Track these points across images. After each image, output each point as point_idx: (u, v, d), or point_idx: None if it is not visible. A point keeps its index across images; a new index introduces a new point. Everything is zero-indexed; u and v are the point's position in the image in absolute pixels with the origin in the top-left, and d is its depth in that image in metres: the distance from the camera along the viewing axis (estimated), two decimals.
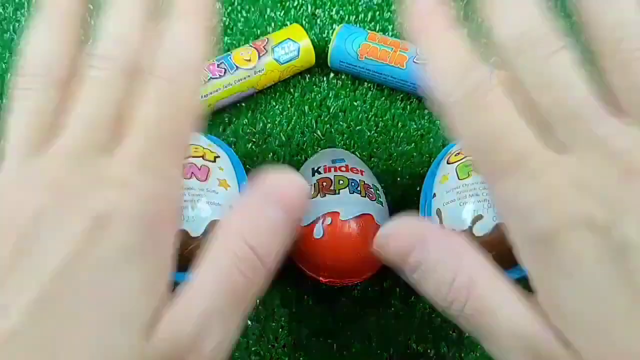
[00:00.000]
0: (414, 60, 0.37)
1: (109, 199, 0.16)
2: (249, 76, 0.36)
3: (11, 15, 0.42)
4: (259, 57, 0.37)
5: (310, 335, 0.32)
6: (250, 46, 0.37)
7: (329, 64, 0.39)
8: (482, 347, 0.31)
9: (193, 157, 0.31)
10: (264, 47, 0.37)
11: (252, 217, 0.18)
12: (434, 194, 0.32)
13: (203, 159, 0.31)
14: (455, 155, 0.32)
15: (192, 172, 0.30)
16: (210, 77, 0.35)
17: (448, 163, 0.32)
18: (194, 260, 0.29)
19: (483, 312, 0.18)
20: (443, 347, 0.31)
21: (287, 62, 0.37)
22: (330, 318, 0.32)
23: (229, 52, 0.37)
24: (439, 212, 0.30)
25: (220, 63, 0.36)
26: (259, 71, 0.37)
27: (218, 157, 0.32)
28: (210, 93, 0.36)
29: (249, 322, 0.32)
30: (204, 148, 0.32)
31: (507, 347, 0.17)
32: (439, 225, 0.27)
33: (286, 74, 0.38)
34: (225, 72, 0.36)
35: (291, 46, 0.37)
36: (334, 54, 0.38)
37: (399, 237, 0.19)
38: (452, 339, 0.31)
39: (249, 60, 0.36)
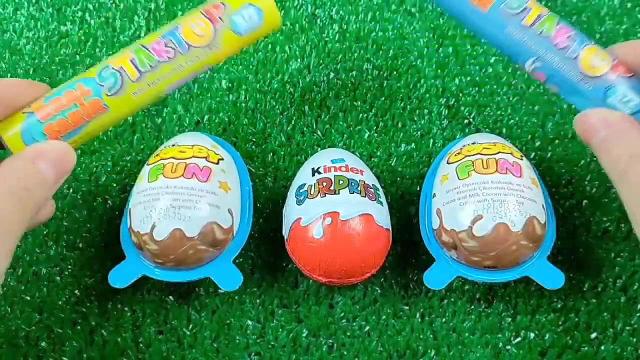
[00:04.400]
0: (501, 6, 0.29)
1: None
2: (203, 55, 0.29)
3: (11, 15, 0.42)
4: (215, 29, 0.29)
5: (310, 335, 0.32)
6: (201, 14, 0.29)
7: None
8: (483, 348, 0.31)
9: (196, 157, 0.31)
10: (218, 17, 0.29)
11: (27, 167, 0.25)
12: (434, 193, 0.32)
13: (206, 160, 0.31)
14: (455, 155, 0.32)
15: (194, 172, 0.30)
16: (158, 61, 0.28)
17: (448, 163, 0.32)
18: (188, 261, 0.30)
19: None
20: (443, 347, 0.31)
21: (248, 32, 0.29)
22: (330, 318, 0.32)
23: (176, 25, 0.28)
24: (439, 212, 0.30)
25: (168, 40, 0.28)
26: (215, 47, 0.29)
27: (222, 159, 0.32)
28: (158, 79, 0.28)
29: (249, 322, 0.32)
30: (208, 149, 0.32)
31: None
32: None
33: (249, 45, 0.30)
34: (174, 54, 0.28)
35: (252, 13, 0.29)
36: None
37: (591, 119, 0.27)
38: (453, 339, 0.31)
39: (202, 35, 0.29)
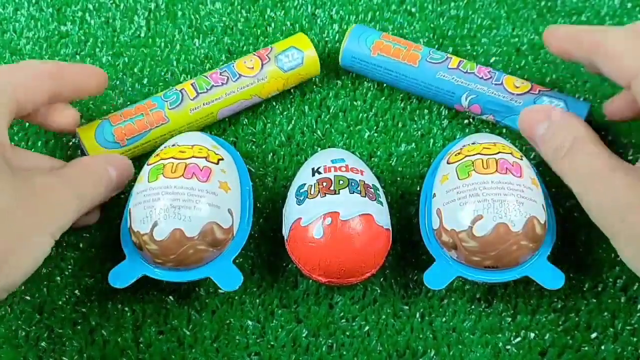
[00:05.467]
0: (427, 59, 0.37)
1: None
2: (252, 84, 0.36)
3: (11, 15, 0.42)
4: (262, 65, 0.36)
5: (309, 335, 0.32)
6: (254, 55, 0.37)
7: (339, 61, 0.38)
8: (483, 348, 0.31)
9: (196, 157, 0.31)
10: (267, 55, 0.37)
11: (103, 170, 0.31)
12: (434, 193, 0.31)
13: (206, 160, 0.31)
14: (456, 155, 0.32)
15: (194, 172, 0.30)
16: (212, 85, 0.36)
17: (448, 163, 0.32)
18: (187, 261, 0.30)
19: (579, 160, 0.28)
20: (443, 347, 0.31)
21: (291, 70, 0.37)
22: (329, 318, 0.32)
23: (233, 62, 0.37)
24: (438, 212, 0.30)
25: (223, 71, 0.36)
26: (262, 79, 0.36)
27: (222, 159, 0.32)
28: (212, 101, 0.36)
29: (249, 322, 0.32)
30: (208, 149, 0.32)
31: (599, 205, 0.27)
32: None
33: (291, 82, 0.38)
34: (227, 80, 0.36)
35: (295, 54, 0.37)
36: (347, 48, 0.37)
37: (533, 113, 0.31)
38: (452, 339, 0.31)
39: (252, 68, 0.36)
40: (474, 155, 0.31)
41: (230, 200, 0.31)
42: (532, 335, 0.31)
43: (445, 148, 0.35)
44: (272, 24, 0.42)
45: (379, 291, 0.33)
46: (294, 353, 0.31)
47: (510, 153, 0.31)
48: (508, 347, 0.31)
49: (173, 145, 0.32)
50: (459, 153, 0.32)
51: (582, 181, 0.27)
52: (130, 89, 0.39)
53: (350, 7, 0.42)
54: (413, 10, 0.42)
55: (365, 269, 0.30)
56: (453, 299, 0.32)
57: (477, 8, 0.42)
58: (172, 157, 0.31)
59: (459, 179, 0.30)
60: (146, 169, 0.31)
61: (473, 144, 0.32)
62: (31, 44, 0.41)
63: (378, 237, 0.30)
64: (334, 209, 0.29)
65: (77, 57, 0.41)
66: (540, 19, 0.42)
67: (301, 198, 0.31)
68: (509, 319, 0.32)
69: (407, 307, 0.32)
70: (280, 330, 0.32)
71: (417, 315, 0.32)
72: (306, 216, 0.30)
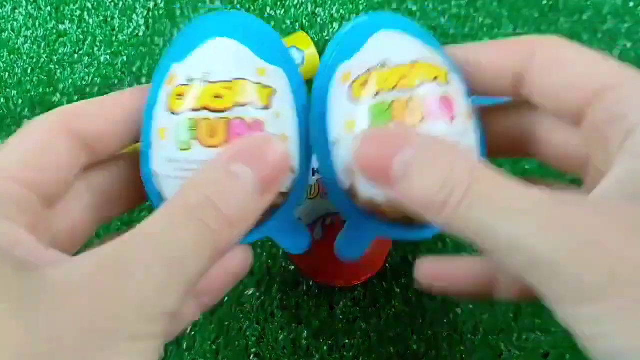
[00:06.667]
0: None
1: None
2: None
3: (9, 14, 0.42)
4: None
5: (310, 337, 0.32)
6: None
7: None
8: (484, 349, 0.31)
9: (239, 105, 0.20)
10: None
11: (216, 173, 0.18)
12: (336, 139, 0.21)
13: (254, 107, 0.21)
14: (362, 86, 0.21)
15: (239, 134, 0.20)
16: None
17: (353, 98, 0.21)
18: None
19: (485, 207, 0.16)
20: (444, 348, 0.31)
21: None
22: (330, 319, 0.32)
23: None
24: (349, 173, 0.21)
25: None
26: None
27: (274, 92, 0.21)
28: None
29: (249, 324, 0.32)
30: (253, 83, 0.21)
31: (508, 254, 0.16)
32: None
33: None
34: None
35: (295, 54, 0.37)
36: None
37: (381, 140, 0.19)
38: (453, 340, 0.31)
39: None
40: (389, 91, 0.21)
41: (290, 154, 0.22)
42: (534, 336, 0.31)
43: (337, 40, 0.23)
44: (272, 23, 0.42)
45: (379, 292, 0.33)
46: (294, 355, 0.31)
47: (436, 78, 0.21)
48: (510, 348, 0.31)
49: (203, 80, 0.21)
50: (365, 83, 0.21)
51: (513, 231, 0.16)
52: (128, 88, 0.39)
53: (350, 5, 0.42)
54: (414, 8, 0.42)
55: (365, 270, 0.30)
56: (454, 300, 0.32)
57: (479, 7, 0.42)
58: (206, 108, 0.20)
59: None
60: (171, 121, 0.21)
61: (382, 66, 0.21)
62: (29, 42, 0.41)
63: (379, 239, 0.30)
64: (334, 209, 0.29)
65: (76, 56, 0.40)
66: (542, 18, 0.41)
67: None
68: (511, 320, 0.32)
69: (408, 309, 0.32)
70: (280, 331, 0.32)
71: (418, 316, 0.32)
72: (306, 217, 0.30)
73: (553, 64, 0.20)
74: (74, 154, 0.20)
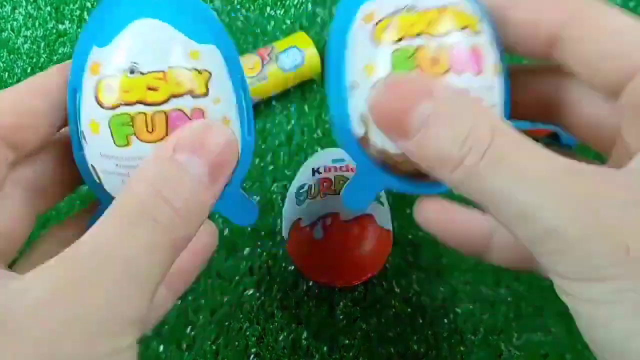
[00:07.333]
0: None
1: None
2: (252, 84, 0.36)
3: (9, 14, 0.42)
4: (263, 65, 0.36)
5: (310, 337, 0.31)
6: (255, 54, 0.37)
7: None
8: (484, 349, 0.31)
9: (176, 95, 0.19)
10: (267, 54, 0.37)
11: (162, 166, 0.17)
12: (355, 82, 0.20)
13: (192, 95, 0.19)
14: (384, 30, 0.20)
15: (179, 126, 0.19)
16: None
17: (374, 40, 0.20)
18: None
19: (503, 170, 0.15)
20: (444, 348, 0.31)
21: (291, 69, 0.36)
22: (330, 319, 0.32)
23: None
24: (365, 119, 0.20)
25: None
26: (262, 79, 0.36)
27: (210, 75, 0.20)
28: None
29: (248, 324, 0.32)
30: (188, 69, 0.20)
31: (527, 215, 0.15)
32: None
33: (291, 82, 0.38)
34: None
35: (295, 53, 0.37)
36: None
37: (400, 90, 0.17)
38: (454, 340, 0.31)
39: (253, 68, 0.36)
40: (414, 37, 0.20)
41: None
42: (535, 336, 0.31)
43: None
44: (272, 23, 0.41)
45: (380, 292, 0.33)
46: (294, 355, 0.31)
47: (466, 27, 0.20)
48: (510, 348, 0.31)
49: (132, 70, 0.19)
50: (389, 26, 0.20)
51: (529, 199, 0.15)
52: None
53: None
54: None
55: (366, 270, 0.30)
56: (455, 300, 0.32)
57: None
58: (140, 102, 0.19)
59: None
60: (103, 115, 0.19)
61: (410, 10, 0.20)
62: (29, 42, 0.41)
63: (379, 238, 0.30)
64: (334, 209, 0.29)
65: None
66: None
67: (301, 198, 0.30)
68: (512, 320, 0.31)
69: (408, 309, 0.32)
70: (280, 331, 0.32)
71: (418, 316, 0.32)
72: (306, 217, 0.29)
73: (594, 30, 0.18)
74: None
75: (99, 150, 0.20)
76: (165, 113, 0.19)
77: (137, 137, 0.19)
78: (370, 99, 0.18)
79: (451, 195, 0.19)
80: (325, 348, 0.31)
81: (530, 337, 0.31)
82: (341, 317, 0.32)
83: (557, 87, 0.21)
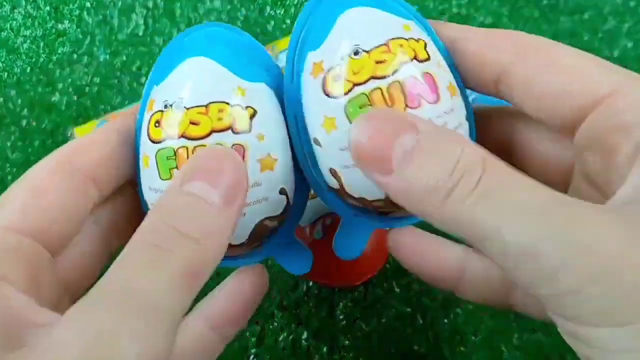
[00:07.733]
0: None
1: None
2: None
3: (8, 13, 0.42)
4: None
5: (310, 337, 0.31)
6: None
7: None
8: (485, 349, 0.31)
9: (217, 131, 0.19)
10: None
11: (172, 198, 0.17)
12: (316, 139, 0.20)
13: (233, 131, 0.19)
14: (336, 82, 0.19)
15: None
16: None
17: (327, 96, 0.19)
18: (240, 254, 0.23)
19: (496, 203, 0.14)
20: (445, 349, 0.31)
21: None
22: (330, 320, 0.32)
23: None
24: (334, 173, 0.20)
25: None
26: None
27: (255, 113, 0.20)
28: None
29: (248, 323, 0.32)
30: (232, 106, 0.19)
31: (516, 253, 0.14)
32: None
33: None
34: None
35: None
36: None
37: (378, 124, 0.16)
38: (454, 340, 0.31)
39: None
40: (365, 82, 0.19)
41: (279, 177, 0.21)
42: (535, 337, 0.31)
43: (301, 21, 0.21)
44: (272, 23, 0.41)
45: (380, 292, 0.33)
46: (294, 356, 0.31)
47: (415, 57, 0.19)
48: (510, 349, 0.31)
49: (178, 105, 0.19)
50: (338, 75, 0.19)
51: (531, 238, 0.14)
52: (128, 87, 0.39)
53: None
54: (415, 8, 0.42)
55: (366, 271, 0.30)
56: (455, 300, 0.32)
57: (479, 6, 0.42)
58: (183, 136, 0.19)
59: None
60: (151, 149, 0.20)
61: (356, 54, 0.19)
62: (28, 42, 0.41)
63: (379, 238, 0.30)
64: None
65: (75, 55, 0.40)
66: (542, 18, 0.41)
67: None
68: (512, 321, 0.31)
69: (409, 309, 0.32)
70: (280, 332, 0.32)
71: (419, 316, 0.32)
72: (306, 217, 0.29)
73: (547, 67, 0.18)
74: (81, 192, 0.19)
75: (148, 184, 0.20)
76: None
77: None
78: (350, 137, 0.17)
79: (423, 225, 0.19)
80: (325, 348, 0.31)
81: (530, 337, 0.31)
82: (341, 317, 0.32)
83: (513, 128, 0.20)
